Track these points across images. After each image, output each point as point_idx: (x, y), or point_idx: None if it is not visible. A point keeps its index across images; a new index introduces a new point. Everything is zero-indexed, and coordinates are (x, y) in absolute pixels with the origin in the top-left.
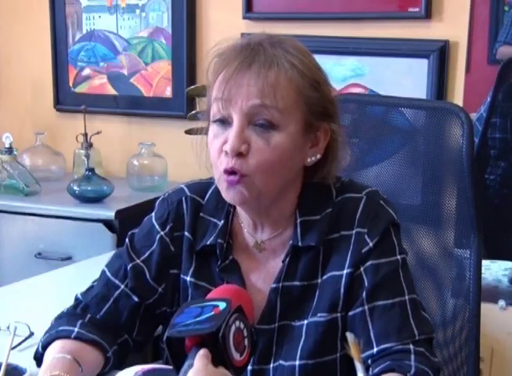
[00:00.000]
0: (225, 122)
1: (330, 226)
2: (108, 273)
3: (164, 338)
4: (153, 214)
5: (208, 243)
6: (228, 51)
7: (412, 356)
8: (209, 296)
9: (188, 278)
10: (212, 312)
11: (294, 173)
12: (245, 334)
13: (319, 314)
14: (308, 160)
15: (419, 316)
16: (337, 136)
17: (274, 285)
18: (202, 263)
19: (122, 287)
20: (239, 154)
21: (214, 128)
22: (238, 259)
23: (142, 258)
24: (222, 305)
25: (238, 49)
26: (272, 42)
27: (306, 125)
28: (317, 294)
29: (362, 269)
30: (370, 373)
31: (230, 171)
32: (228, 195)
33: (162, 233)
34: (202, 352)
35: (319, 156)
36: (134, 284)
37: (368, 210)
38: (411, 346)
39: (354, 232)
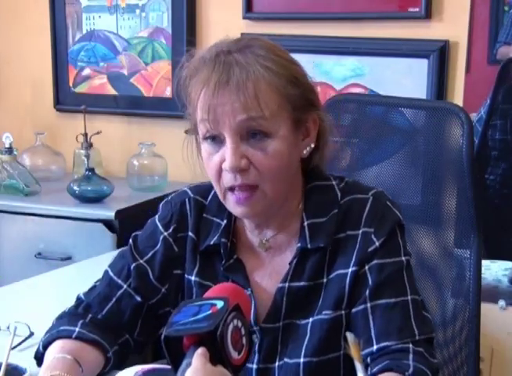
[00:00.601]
0: (216, 138)
1: (337, 227)
2: (111, 273)
3: (162, 336)
4: (157, 215)
5: (212, 242)
6: (199, 67)
7: (411, 356)
8: (207, 295)
9: (193, 278)
10: (210, 311)
11: (295, 168)
12: (243, 332)
13: (324, 312)
14: (304, 152)
15: (420, 316)
16: (323, 122)
17: (280, 285)
18: (206, 263)
19: (125, 286)
20: (240, 170)
21: (206, 147)
22: (242, 258)
23: (146, 258)
24: (220, 304)
25: (210, 64)
26: (240, 48)
27: (295, 122)
28: (323, 292)
29: (366, 267)
30: (369, 372)
31: (239, 187)
32: (238, 210)
33: (165, 233)
34: (200, 350)
35: (312, 145)
36: (137, 284)
37: (375, 210)
38: (410, 346)
39: (360, 231)
